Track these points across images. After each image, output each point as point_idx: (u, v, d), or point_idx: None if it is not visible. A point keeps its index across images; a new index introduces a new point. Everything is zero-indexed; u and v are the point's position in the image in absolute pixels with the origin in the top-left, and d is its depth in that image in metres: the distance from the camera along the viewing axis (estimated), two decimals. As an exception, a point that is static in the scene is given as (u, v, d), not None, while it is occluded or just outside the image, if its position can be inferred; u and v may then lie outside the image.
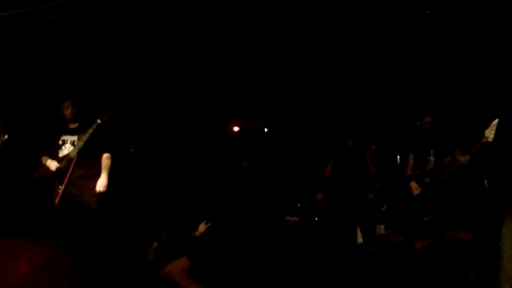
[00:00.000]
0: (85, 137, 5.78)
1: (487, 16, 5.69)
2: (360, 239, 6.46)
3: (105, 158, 5.85)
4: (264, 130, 7.29)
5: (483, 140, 4.67)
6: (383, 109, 6.84)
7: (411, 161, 6.23)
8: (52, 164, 5.78)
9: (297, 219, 6.50)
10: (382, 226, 6.22)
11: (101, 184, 5.72)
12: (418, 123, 6.17)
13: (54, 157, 5.83)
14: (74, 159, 5.73)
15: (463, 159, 5.72)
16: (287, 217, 6.47)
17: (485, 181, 5.63)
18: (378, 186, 6.46)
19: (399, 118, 6.71)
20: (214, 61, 6.62)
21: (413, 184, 6.11)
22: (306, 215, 6.54)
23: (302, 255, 6.04)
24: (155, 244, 5.58)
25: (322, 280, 5.56)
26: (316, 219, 6.61)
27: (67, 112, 5.91)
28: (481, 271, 4.88)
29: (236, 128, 7.43)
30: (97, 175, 5.78)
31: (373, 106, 6.88)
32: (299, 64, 6.65)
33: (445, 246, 5.37)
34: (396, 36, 6.34)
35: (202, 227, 5.70)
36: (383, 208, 6.33)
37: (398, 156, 6.54)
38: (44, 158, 5.87)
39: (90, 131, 5.78)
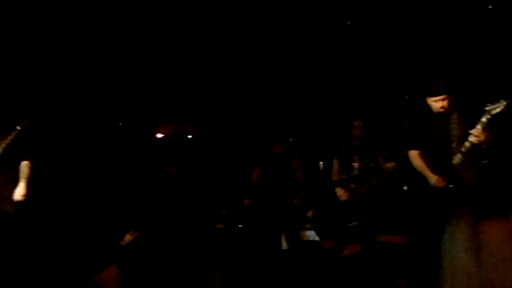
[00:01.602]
0: (3, 144, 5.48)
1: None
2: (285, 245, 6.49)
3: (24, 166, 5.58)
4: (192, 135, 7.19)
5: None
6: (310, 114, 6.92)
7: (336, 167, 6.32)
8: None
9: (223, 225, 6.47)
10: (310, 232, 6.27)
11: (19, 192, 5.46)
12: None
13: None
14: None
15: (389, 165, 5.86)
16: (215, 224, 6.43)
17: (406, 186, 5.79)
18: (304, 192, 6.52)
19: (327, 123, 6.80)
20: (141, 66, 6.49)
21: (339, 190, 6.20)
22: (233, 221, 6.51)
23: (230, 261, 6.01)
24: (81, 253, 5.39)
25: (252, 286, 5.55)
26: (242, 225, 6.59)
27: None
28: (413, 275, 5.02)
29: (162, 134, 7.29)
30: (16, 182, 5.52)
31: (300, 110, 6.93)
32: (227, 68, 6.62)
33: (376, 251, 5.49)
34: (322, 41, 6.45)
35: (128, 237, 5.56)
36: (310, 214, 6.39)
37: (323, 162, 6.64)
38: None
39: (9, 138, 5.49)
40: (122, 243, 5.52)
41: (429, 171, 4.90)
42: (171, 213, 6.17)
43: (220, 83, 6.82)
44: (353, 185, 6.10)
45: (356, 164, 6.17)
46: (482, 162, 4.75)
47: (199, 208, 6.34)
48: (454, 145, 4.83)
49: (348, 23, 6.12)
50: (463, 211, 4.66)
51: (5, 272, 4.69)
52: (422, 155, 5.01)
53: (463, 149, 4.74)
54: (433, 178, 4.86)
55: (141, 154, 6.88)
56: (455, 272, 4.48)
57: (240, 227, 6.49)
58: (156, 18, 5.97)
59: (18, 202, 5.44)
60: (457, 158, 4.77)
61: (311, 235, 6.23)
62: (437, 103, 4.82)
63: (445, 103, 4.80)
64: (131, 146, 6.90)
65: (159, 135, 7.23)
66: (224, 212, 6.65)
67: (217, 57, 6.56)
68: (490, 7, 5.47)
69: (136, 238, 5.56)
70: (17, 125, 5.50)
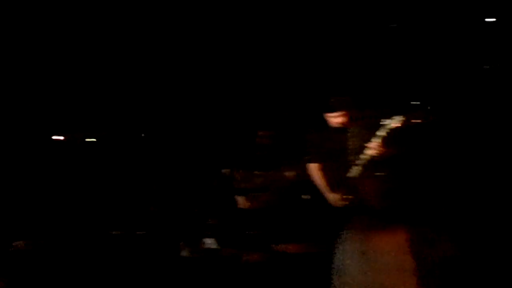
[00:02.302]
0: None
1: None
2: (184, 252, 6.46)
3: None
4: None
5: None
6: (213, 121, 6.91)
7: (238, 175, 6.35)
8: None
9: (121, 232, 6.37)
10: (210, 240, 6.27)
11: None
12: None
13: None
14: None
15: (290, 175, 5.96)
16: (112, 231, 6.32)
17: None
18: (206, 199, 6.52)
19: (230, 131, 6.81)
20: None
21: (240, 199, 6.24)
22: (136, 228, 6.41)
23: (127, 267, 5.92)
24: None
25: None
26: (141, 232, 6.50)
27: None
28: (311, 284, 5.12)
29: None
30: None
31: (203, 118, 6.91)
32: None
33: (276, 260, 5.57)
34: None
35: (19, 244, 5.39)
36: (211, 221, 6.39)
37: (226, 170, 6.64)
38: None
39: None
40: (12, 249, 5.33)
41: (328, 188, 5.02)
42: (64, 220, 6.02)
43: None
44: (254, 194, 6.15)
45: (258, 173, 6.22)
46: (377, 174, 4.92)
47: (98, 215, 6.22)
48: (351, 158, 4.96)
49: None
50: (355, 223, 4.86)
51: None
52: (321, 169, 5.12)
53: (359, 162, 4.88)
54: (331, 197, 4.98)
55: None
56: (344, 281, 4.65)
57: (139, 233, 6.40)
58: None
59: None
60: (354, 171, 4.90)
61: (211, 243, 6.24)
62: (335, 118, 4.97)
63: (342, 119, 4.94)
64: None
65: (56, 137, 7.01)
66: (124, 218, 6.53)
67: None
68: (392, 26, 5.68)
69: (25, 246, 5.38)
70: None
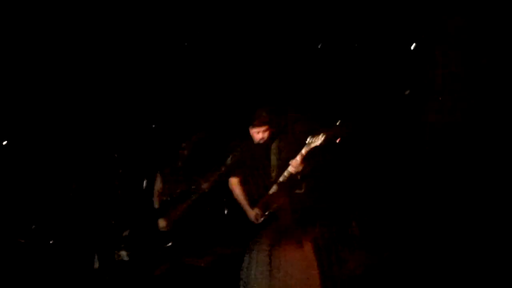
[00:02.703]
0: None
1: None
2: (96, 264, 6.29)
3: None
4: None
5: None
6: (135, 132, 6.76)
7: (158, 187, 6.23)
8: None
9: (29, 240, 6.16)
10: (124, 252, 6.12)
11: None
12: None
13: None
14: None
15: (205, 186, 5.93)
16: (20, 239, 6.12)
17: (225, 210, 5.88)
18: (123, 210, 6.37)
19: (152, 142, 6.69)
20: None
21: (161, 221, 6.10)
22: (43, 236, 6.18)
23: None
24: None
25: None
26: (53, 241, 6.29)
27: None
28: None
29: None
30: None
31: (126, 127, 6.75)
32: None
33: (184, 272, 5.54)
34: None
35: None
36: (125, 233, 6.25)
37: (145, 181, 6.51)
38: None
39: None
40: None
41: (248, 205, 5.01)
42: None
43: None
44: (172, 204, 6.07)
45: (179, 186, 6.14)
46: (297, 192, 4.95)
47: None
48: (273, 174, 4.97)
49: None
50: (264, 235, 4.91)
51: None
52: (242, 184, 5.11)
53: (281, 179, 4.89)
54: (251, 213, 4.98)
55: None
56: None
57: (51, 243, 6.19)
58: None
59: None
60: (274, 188, 4.92)
61: (124, 255, 6.12)
62: (257, 134, 4.97)
63: (264, 134, 4.96)
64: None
65: None
66: (33, 226, 6.27)
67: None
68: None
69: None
70: None
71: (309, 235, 4.94)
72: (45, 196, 6.41)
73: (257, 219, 4.93)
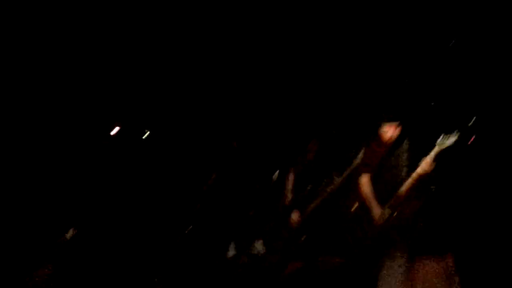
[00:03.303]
0: None
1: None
2: (232, 253, 6.46)
3: None
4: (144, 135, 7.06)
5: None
6: (269, 127, 6.87)
7: (290, 183, 6.29)
8: None
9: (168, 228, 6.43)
10: (260, 243, 6.24)
11: None
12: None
13: None
14: None
15: (337, 182, 5.91)
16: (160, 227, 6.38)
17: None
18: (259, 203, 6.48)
19: (282, 138, 6.77)
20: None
21: (294, 214, 6.15)
22: (182, 224, 6.45)
23: (175, 262, 5.97)
24: (16, 251, 5.33)
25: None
26: (189, 230, 6.53)
27: None
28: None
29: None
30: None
31: (261, 121, 6.87)
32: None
33: (316, 270, 5.51)
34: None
35: (69, 234, 5.50)
36: (261, 225, 6.36)
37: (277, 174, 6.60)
38: None
39: None
40: (62, 239, 5.45)
41: (376, 204, 4.94)
42: (112, 213, 6.11)
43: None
44: (303, 202, 6.09)
45: (308, 183, 6.16)
46: (429, 192, 4.80)
47: (142, 210, 6.29)
48: (402, 174, 4.88)
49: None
50: (400, 247, 4.74)
51: None
52: (370, 183, 5.05)
53: (409, 180, 4.78)
54: (377, 213, 4.90)
55: (85, 148, 6.77)
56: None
57: (186, 232, 6.44)
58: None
59: None
60: (404, 188, 4.81)
61: (259, 248, 6.22)
62: (387, 133, 4.90)
63: (395, 133, 4.87)
64: (75, 140, 6.78)
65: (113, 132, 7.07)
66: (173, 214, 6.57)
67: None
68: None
69: (75, 236, 5.49)
70: None
71: (446, 245, 4.71)
72: (183, 186, 6.67)
73: (382, 218, 4.85)
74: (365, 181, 5.12)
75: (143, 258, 6.01)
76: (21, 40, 6.31)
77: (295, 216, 6.10)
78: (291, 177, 6.34)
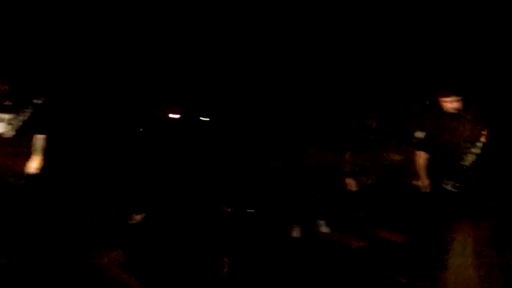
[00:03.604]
0: (17, 116, 5.56)
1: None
2: (296, 233, 6.47)
3: (39, 139, 5.67)
4: (204, 118, 7.14)
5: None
6: (325, 105, 6.82)
7: (348, 158, 6.24)
8: None
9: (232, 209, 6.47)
10: (323, 222, 6.22)
11: (31, 165, 5.55)
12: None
13: None
14: (6, 139, 5.49)
15: (397, 158, 5.84)
16: (224, 207, 6.43)
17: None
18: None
19: (341, 115, 6.70)
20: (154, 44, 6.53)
21: (349, 180, 6.13)
22: (243, 206, 6.48)
23: (238, 245, 6.00)
24: (85, 232, 5.46)
25: (258, 270, 5.54)
26: (252, 210, 6.57)
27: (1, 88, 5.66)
28: (415, 274, 4.96)
29: (174, 115, 7.22)
30: (26, 155, 5.61)
31: (316, 102, 6.83)
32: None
33: (379, 247, 5.45)
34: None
35: (137, 217, 5.61)
36: (322, 204, 6.34)
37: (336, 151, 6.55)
38: None
39: (24, 111, 5.57)
40: (130, 222, 5.56)
41: (424, 173, 4.88)
42: (179, 195, 6.19)
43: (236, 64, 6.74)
44: (363, 177, 6.04)
45: (366, 156, 6.10)
46: (490, 164, 4.68)
47: (208, 192, 6.35)
48: (466, 145, 4.75)
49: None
50: (464, 215, 4.62)
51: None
52: (427, 157, 4.95)
53: (474, 150, 4.65)
54: (423, 180, 4.85)
55: (151, 134, 6.89)
56: (458, 276, 4.43)
57: (249, 212, 6.47)
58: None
59: (28, 174, 5.52)
60: (469, 159, 4.69)
61: (323, 225, 6.20)
62: (450, 103, 4.77)
63: (457, 104, 4.77)
64: (140, 125, 6.90)
65: (171, 115, 7.17)
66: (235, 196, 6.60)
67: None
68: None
69: (143, 219, 5.59)
70: (34, 99, 5.59)
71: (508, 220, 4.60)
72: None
73: (424, 187, 4.81)
74: (422, 154, 5.02)
75: (209, 240, 6.07)
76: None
77: (351, 183, 6.06)
78: (348, 155, 6.29)
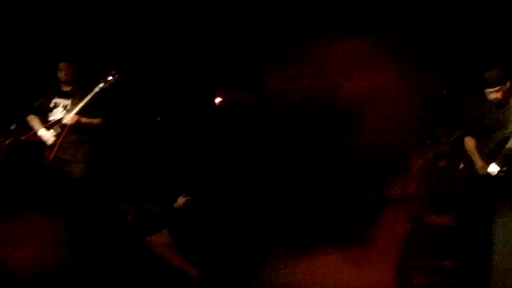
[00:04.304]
0: (81, 103, 5.70)
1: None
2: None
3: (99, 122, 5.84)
4: (255, 104, 7.20)
5: None
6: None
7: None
8: (46, 135, 5.67)
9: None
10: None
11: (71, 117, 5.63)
12: None
13: (43, 118, 5.76)
14: (69, 127, 5.65)
15: (445, 142, 5.92)
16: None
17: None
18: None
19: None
20: (208, 31, 6.62)
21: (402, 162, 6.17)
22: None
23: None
24: (134, 214, 5.65)
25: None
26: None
27: (62, 74, 5.81)
28: (461, 258, 5.06)
29: (222, 100, 7.28)
30: (88, 142, 5.80)
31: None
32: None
33: (425, 230, 5.52)
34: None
35: (181, 200, 5.75)
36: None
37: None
38: (31, 118, 5.78)
39: (88, 97, 5.68)
40: (175, 205, 5.71)
41: (477, 156, 4.94)
42: (226, 180, 6.30)
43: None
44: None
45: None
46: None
47: (258, 178, 6.41)
48: (510, 129, 4.82)
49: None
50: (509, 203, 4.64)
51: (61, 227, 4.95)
52: (476, 141, 5.03)
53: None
54: (478, 163, 4.90)
55: (200, 119, 7.00)
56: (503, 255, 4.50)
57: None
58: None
59: (85, 162, 5.71)
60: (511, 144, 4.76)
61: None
62: (491, 94, 4.84)
63: (499, 94, 4.83)
64: (190, 111, 7.01)
65: (218, 100, 7.22)
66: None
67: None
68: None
69: (188, 202, 5.73)
70: (97, 86, 5.68)
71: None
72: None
73: (482, 170, 4.83)
74: (470, 139, 5.10)
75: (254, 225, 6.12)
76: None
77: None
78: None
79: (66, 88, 5.86)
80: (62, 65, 5.83)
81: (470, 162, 5.03)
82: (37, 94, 5.96)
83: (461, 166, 5.41)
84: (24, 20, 6.47)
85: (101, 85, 5.67)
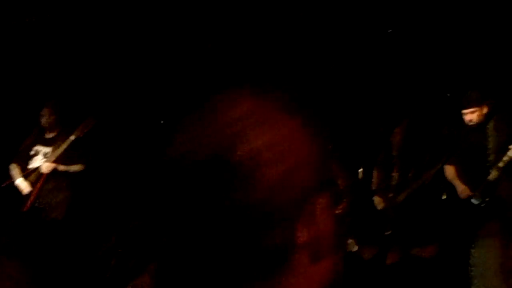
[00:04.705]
0: (58, 151, 5.65)
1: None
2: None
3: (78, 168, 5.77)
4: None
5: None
6: (350, 121, 6.80)
7: (375, 175, 6.25)
8: (22, 185, 5.64)
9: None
10: (350, 241, 6.23)
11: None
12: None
13: (23, 167, 5.72)
14: (45, 175, 5.61)
15: (426, 175, 5.85)
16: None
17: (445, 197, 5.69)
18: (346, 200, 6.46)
19: (366, 130, 6.71)
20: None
21: (377, 198, 6.13)
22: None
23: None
24: (115, 260, 5.53)
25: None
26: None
27: (44, 120, 5.76)
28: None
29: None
30: (68, 187, 5.72)
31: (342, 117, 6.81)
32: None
33: (411, 262, 5.46)
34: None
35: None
36: (349, 221, 6.34)
37: (361, 170, 6.56)
38: (13, 167, 5.75)
39: (64, 146, 5.65)
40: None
41: (458, 180, 4.90)
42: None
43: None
44: (391, 194, 6.04)
45: (395, 173, 6.09)
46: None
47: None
48: (491, 158, 4.77)
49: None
50: (493, 232, 4.59)
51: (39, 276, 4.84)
52: (458, 170, 4.98)
53: (500, 164, 4.67)
54: (460, 187, 4.85)
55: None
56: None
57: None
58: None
59: (66, 209, 5.64)
60: (494, 173, 4.70)
61: (350, 244, 6.19)
62: (466, 115, 4.78)
63: (473, 116, 4.77)
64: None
65: None
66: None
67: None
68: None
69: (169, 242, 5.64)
70: (72, 134, 5.67)
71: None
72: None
73: (463, 193, 4.81)
74: (451, 170, 5.06)
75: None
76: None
77: (378, 202, 6.05)
78: (375, 172, 6.28)
79: (49, 135, 5.81)
80: (44, 111, 5.76)
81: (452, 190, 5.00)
82: (22, 137, 5.93)
83: (444, 196, 5.40)
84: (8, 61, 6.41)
85: (76, 133, 5.65)
